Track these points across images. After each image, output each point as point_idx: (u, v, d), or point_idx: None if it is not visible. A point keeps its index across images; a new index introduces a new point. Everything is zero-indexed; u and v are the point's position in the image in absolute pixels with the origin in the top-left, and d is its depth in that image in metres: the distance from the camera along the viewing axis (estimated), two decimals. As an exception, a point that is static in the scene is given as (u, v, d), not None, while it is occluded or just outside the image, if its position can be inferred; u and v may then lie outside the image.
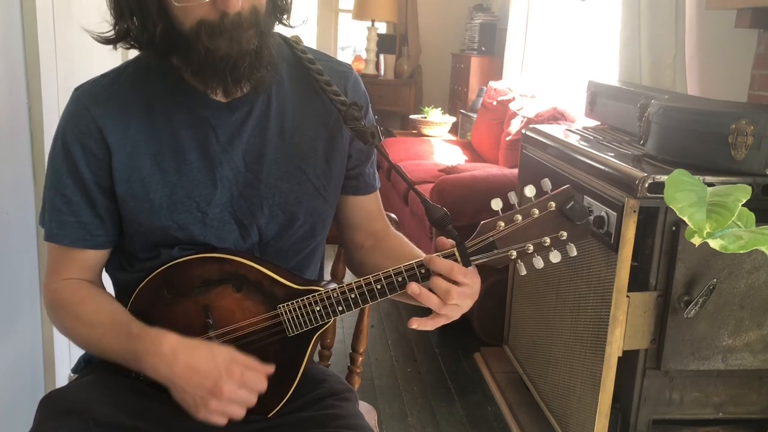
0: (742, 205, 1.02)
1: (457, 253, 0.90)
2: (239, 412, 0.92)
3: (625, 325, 1.55)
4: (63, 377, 1.74)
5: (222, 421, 0.92)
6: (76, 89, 1.00)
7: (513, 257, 0.89)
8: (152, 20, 0.89)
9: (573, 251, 0.89)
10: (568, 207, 0.87)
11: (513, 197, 0.89)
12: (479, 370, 2.51)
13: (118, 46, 0.95)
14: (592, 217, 1.60)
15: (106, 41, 0.95)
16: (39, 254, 1.64)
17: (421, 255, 1.05)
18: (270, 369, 0.95)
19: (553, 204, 0.87)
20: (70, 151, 0.97)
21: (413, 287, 0.90)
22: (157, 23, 0.89)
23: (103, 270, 1.08)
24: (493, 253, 0.90)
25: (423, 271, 0.91)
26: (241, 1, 0.87)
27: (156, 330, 0.94)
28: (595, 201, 1.62)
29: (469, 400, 2.32)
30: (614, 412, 1.64)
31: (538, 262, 0.90)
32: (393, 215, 1.28)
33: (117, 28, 0.93)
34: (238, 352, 0.94)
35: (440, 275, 0.90)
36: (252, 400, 0.93)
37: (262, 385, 0.94)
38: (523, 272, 0.91)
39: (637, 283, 1.55)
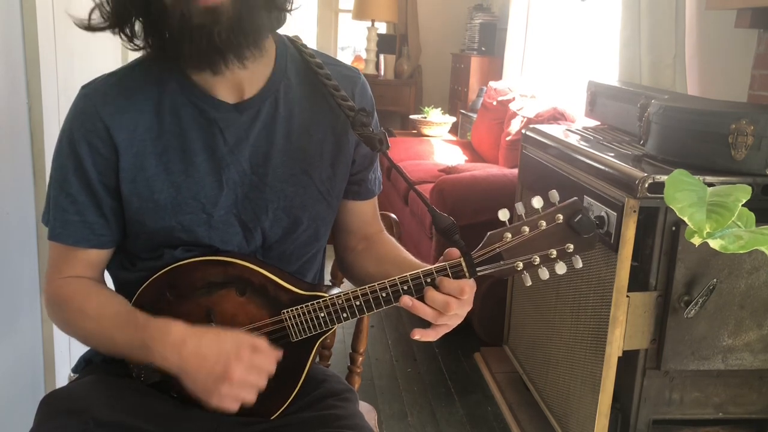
0: (742, 205, 1.02)
1: (463, 264, 0.90)
2: (250, 396, 0.92)
3: (625, 325, 1.55)
4: (63, 377, 1.74)
5: (234, 406, 0.92)
6: (84, 87, 0.99)
7: (519, 269, 0.89)
8: None
9: (579, 263, 0.89)
10: (576, 220, 0.87)
11: (520, 208, 0.89)
12: (479, 370, 2.51)
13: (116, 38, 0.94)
14: (592, 218, 1.60)
15: (90, 26, 0.93)
16: (39, 254, 1.64)
17: (412, 260, 1.05)
18: (279, 353, 0.95)
19: (560, 216, 0.87)
20: (77, 149, 0.96)
21: (405, 300, 0.90)
22: None
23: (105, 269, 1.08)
24: (500, 265, 0.90)
25: (429, 280, 0.91)
26: None
27: (162, 319, 0.94)
28: (595, 201, 1.62)
29: (469, 400, 2.32)
30: (614, 412, 1.64)
31: (544, 273, 0.90)
32: (393, 215, 1.28)
33: (126, 16, 0.91)
34: (246, 333, 0.94)
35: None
36: (262, 382, 0.92)
37: (271, 367, 0.93)
38: (528, 283, 0.91)
39: (637, 283, 1.55)
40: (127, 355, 0.98)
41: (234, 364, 0.89)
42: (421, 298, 0.90)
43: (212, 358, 0.90)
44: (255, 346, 0.92)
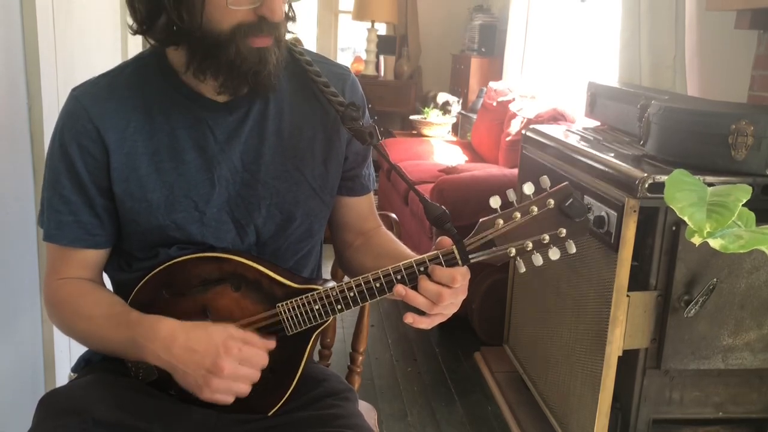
0: (742, 205, 1.02)
1: (455, 251, 0.90)
2: (244, 389, 0.92)
3: (625, 324, 1.55)
4: (63, 377, 1.74)
5: (228, 399, 0.92)
6: (74, 89, 1.00)
7: (512, 255, 0.89)
8: (198, 15, 0.88)
9: (572, 248, 0.89)
10: (567, 204, 0.87)
11: (512, 194, 0.89)
12: (479, 370, 2.51)
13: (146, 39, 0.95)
14: (592, 217, 1.61)
15: (142, 33, 0.93)
16: (39, 254, 1.64)
17: (409, 253, 1.05)
18: (271, 344, 0.95)
19: (552, 201, 0.87)
20: (68, 151, 0.97)
21: (398, 289, 0.90)
22: (201, 19, 0.88)
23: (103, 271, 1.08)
24: (492, 251, 0.90)
25: (422, 269, 0.91)
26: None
27: (154, 316, 0.94)
28: (596, 201, 1.62)
29: (469, 400, 2.32)
30: (614, 412, 1.64)
31: (537, 260, 0.90)
32: (393, 215, 1.29)
33: (157, 21, 0.91)
34: (237, 328, 0.93)
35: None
36: (255, 375, 0.92)
37: (263, 360, 0.93)
38: (523, 269, 0.91)
39: (637, 282, 1.55)
40: (122, 354, 0.98)
41: (223, 357, 0.89)
42: (416, 288, 0.91)
43: (201, 351, 0.90)
44: (245, 339, 0.92)
